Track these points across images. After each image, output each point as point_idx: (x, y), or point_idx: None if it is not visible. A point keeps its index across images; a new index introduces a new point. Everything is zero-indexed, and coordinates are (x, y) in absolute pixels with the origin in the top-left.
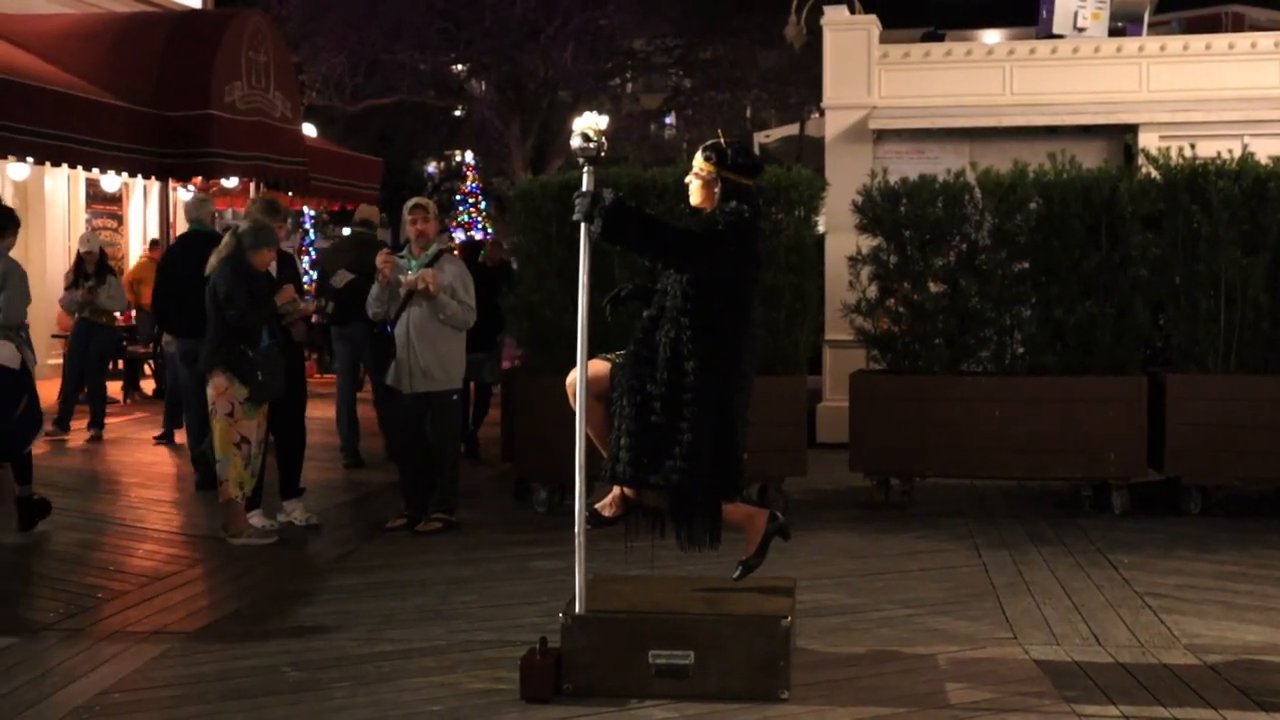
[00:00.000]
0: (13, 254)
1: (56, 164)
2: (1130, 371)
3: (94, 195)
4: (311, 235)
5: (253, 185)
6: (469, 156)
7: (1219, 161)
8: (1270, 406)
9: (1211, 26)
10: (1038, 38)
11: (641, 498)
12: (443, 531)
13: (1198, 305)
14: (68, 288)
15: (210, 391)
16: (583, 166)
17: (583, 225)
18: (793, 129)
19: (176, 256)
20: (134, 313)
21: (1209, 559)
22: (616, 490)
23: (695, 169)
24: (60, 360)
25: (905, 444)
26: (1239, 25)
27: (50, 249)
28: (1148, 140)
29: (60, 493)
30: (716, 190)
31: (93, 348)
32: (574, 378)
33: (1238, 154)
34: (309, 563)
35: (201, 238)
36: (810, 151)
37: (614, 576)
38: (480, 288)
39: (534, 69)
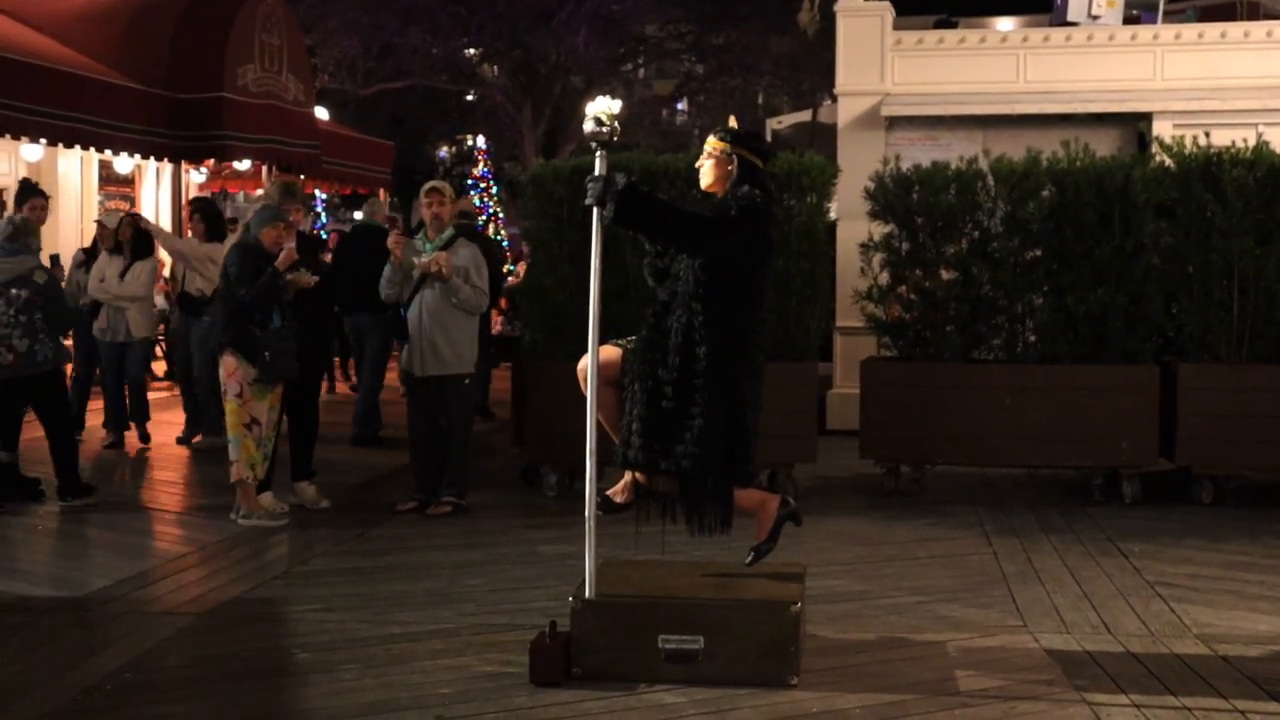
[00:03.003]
0: None
1: (69, 145)
2: (1142, 360)
3: (106, 177)
4: (323, 219)
5: (265, 168)
6: (481, 141)
7: (1233, 150)
8: None
9: (1227, 14)
10: (1052, 25)
11: (653, 483)
12: (452, 515)
13: (1211, 294)
14: (80, 264)
15: (221, 372)
16: (595, 151)
17: (595, 210)
18: (805, 115)
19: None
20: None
21: (1220, 548)
22: (628, 476)
23: (708, 149)
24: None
25: (915, 431)
26: (1254, 13)
27: (62, 231)
28: (1161, 129)
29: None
30: (730, 169)
31: None
32: (585, 363)
33: (1252, 143)
34: (319, 545)
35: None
36: (822, 138)
37: (624, 561)
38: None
39: (546, 54)
